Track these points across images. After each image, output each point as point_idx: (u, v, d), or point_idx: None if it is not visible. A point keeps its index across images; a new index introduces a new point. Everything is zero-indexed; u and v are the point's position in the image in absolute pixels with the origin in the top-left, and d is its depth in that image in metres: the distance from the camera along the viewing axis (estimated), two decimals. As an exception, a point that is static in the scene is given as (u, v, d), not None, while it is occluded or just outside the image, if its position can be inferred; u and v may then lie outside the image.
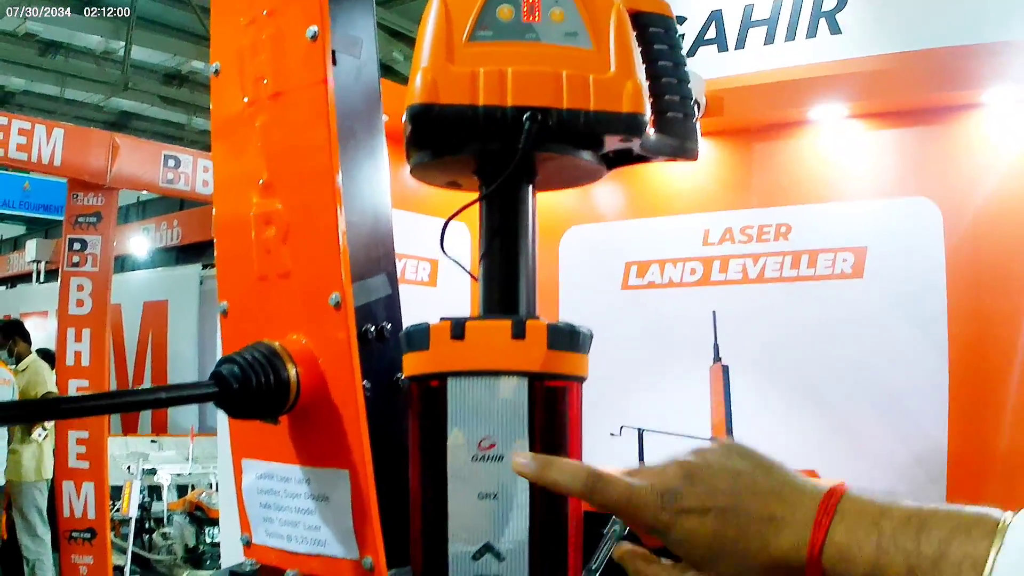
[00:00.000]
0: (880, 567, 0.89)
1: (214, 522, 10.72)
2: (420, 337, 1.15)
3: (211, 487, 11.58)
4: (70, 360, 9.87)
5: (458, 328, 1.13)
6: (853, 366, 4.54)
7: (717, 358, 4.59)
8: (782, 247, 4.68)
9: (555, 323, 1.13)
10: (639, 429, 4.58)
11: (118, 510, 10.74)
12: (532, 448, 1.09)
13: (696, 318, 4.74)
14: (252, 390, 1.35)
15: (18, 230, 28.86)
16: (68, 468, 9.72)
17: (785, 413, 4.60)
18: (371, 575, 1.45)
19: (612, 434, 4.45)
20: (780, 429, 4.55)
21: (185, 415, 13.71)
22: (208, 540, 10.76)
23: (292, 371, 1.40)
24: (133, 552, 10.77)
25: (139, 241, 18.36)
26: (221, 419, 4.77)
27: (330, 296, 1.42)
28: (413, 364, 1.17)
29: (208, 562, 10.75)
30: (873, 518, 0.91)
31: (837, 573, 0.92)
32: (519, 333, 1.11)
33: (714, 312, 4.69)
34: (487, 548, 1.09)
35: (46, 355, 9.84)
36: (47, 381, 8.77)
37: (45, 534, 8.99)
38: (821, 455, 4.27)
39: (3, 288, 25.10)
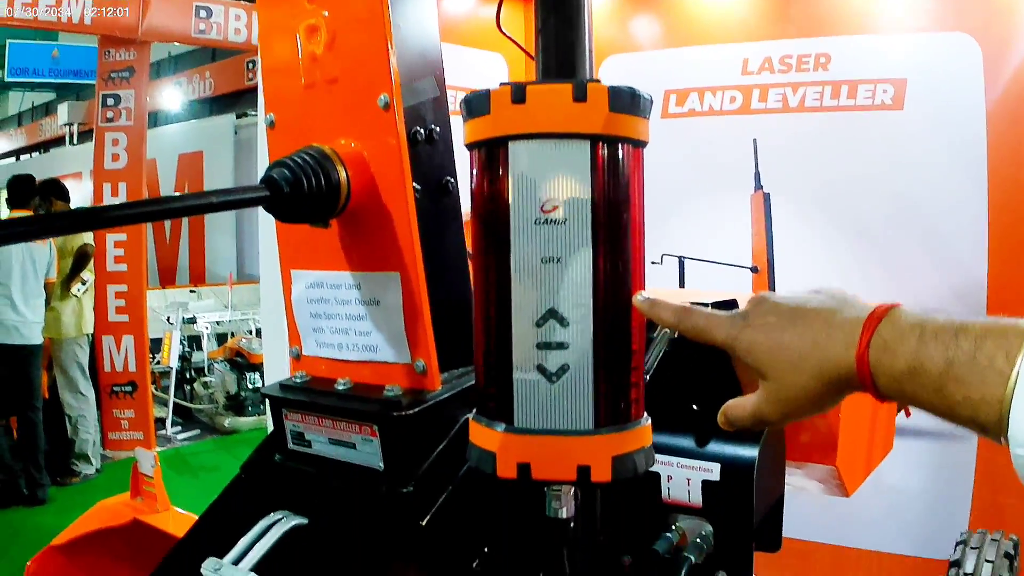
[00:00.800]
0: (920, 359, 0.94)
1: (255, 368, 10.85)
2: (481, 103, 1.10)
3: (250, 333, 11.71)
4: (107, 216, 9.97)
5: (519, 92, 1.08)
6: (893, 197, 4.53)
7: (758, 186, 4.58)
8: (822, 77, 4.65)
9: (616, 85, 1.08)
10: (680, 257, 4.60)
11: (158, 362, 10.89)
12: (594, 211, 1.07)
13: (737, 146, 4.74)
14: (303, 193, 1.34)
15: (48, 96, 28.91)
16: (108, 323, 9.87)
17: (825, 242, 4.61)
18: (423, 378, 1.47)
19: (653, 262, 4.47)
20: (820, 257, 4.58)
21: (223, 264, 13.85)
22: (250, 386, 10.89)
23: (342, 173, 1.39)
24: (174, 403, 10.96)
25: (172, 95, 18.28)
26: (264, 263, 4.80)
27: (379, 98, 1.41)
28: (474, 130, 1.12)
29: (250, 408, 10.91)
30: (918, 320, 0.97)
31: (881, 367, 0.98)
32: (580, 95, 1.07)
33: (755, 140, 4.68)
34: (551, 313, 1.08)
35: None
36: (83, 235, 8.79)
37: (88, 390, 9.09)
38: (861, 285, 4.28)
39: (37, 153, 25.24)
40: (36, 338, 8.08)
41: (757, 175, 4.62)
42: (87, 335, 8.99)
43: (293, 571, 1.42)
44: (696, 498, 1.67)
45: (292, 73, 1.54)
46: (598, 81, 1.08)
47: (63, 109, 21.58)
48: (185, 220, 14.72)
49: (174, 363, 10.83)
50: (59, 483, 8.54)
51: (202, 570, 1.41)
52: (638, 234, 1.12)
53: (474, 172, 1.13)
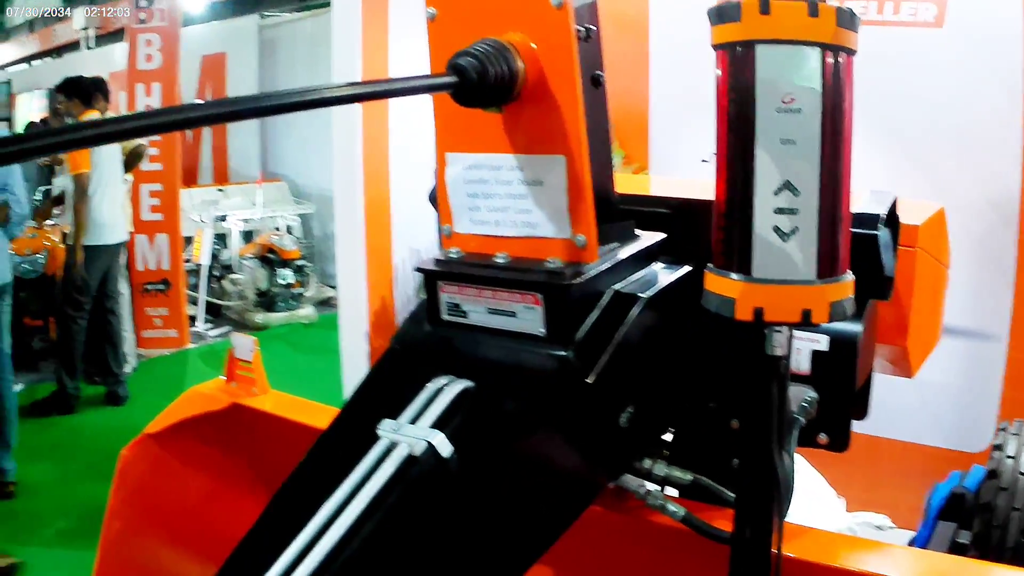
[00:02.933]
0: None
1: (286, 263, 11.03)
2: (732, 11, 1.34)
3: (278, 230, 11.85)
4: (141, 114, 10.08)
5: (765, 4, 1.31)
6: (931, 108, 4.67)
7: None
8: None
9: (840, 6, 1.32)
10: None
11: (188, 260, 11.04)
12: (823, 103, 1.32)
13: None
14: (488, 80, 1.49)
15: (54, 3, 28.67)
16: (141, 221, 10.00)
17: (864, 148, 4.73)
18: (583, 252, 1.62)
19: (703, 160, 4.59)
20: (858, 164, 4.69)
21: (247, 163, 13.93)
22: (281, 282, 11.06)
23: (519, 64, 1.53)
24: (206, 301, 11.14)
25: (193, -6, 18.21)
26: (342, 236, 4.78)
27: None
28: (725, 33, 1.36)
29: (280, 304, 11.09)
30: None
31: None
32: (814, 12, 1.31)
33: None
34: (786, 184, 1.33)
35: None
36: None
37: (125, 289, 9.26)
38: (898, 190, 4.41)
39: (50, 58, 25.11)
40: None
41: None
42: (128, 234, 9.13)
43: (466, 431, 1.56)
44: (805, 366, 1.85)
45: None
46: (824, 1, 1.33)
47: (79, 14, 21.49)
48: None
49: (206, 260, 10.99)
50: (96, 383, 8.70)
51: (378, 431, 1.54)
52: (849, 125, 1.36)
53: (724, 68, 1.39)
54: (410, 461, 1.49)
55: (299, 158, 13.10)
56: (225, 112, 1.23)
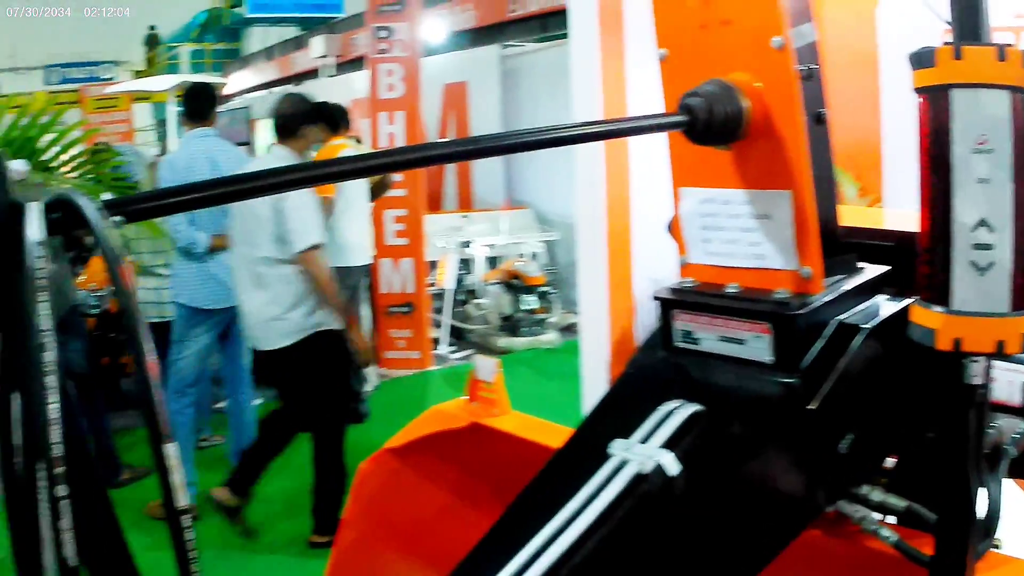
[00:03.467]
0: None
1: (531, 290, 11.19)
2: (928, 57, 1.42)
3: (522, 257, 12.04)
4: (383, 141, 10.43)
5: (957, 50, 1.39)
6: None
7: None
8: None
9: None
10: None
11: (432, 284, 11.31)
12: (1014, 143, 1.38)
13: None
14: (716, 119, 1.58)
15: (291, 31, 29.72)
16: (385, 246, 10.31)
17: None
18: (808, 283, 1.68)
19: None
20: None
21: (491, 190, 14.19)
22: (525, 308, 11.22)
23: (744, 103, 1.62)
24: (450, 324, 11.40)
25: (435, 26, 18.65)
26: (585, 264, 4.85)
27: (772, 39, 1.62)
28: (923, 78, 1.44)
29: (523, 329, 11.25)
30: None
31: None
32: (1002, 56, 1.38)
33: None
34: (982, 222, 1.39)
35: None
36: None
37: (366, 311, 9.53)
38: None
39: (289, 86, 26.05)
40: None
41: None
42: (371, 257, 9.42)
43: (694, 452, 1.63)
44: (1018, 399, 1.86)
45: (684, 13, 1.75)
46: (1012, 46, 1.39)
47: (317, 42, 22.25)
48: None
49: (450, 285, 11.25)
50: None
51: (610, 450, 1.63)
52: None
53: (923, 111, 1.46)
54: (639, 479, 1.58)
55: (544, 186, 13.25)
56: (468, 150, 1.35)
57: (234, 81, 29.42)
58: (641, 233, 3.23)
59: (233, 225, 6.18)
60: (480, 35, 17.97)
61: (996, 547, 2.09)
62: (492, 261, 12.32)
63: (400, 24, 11.02)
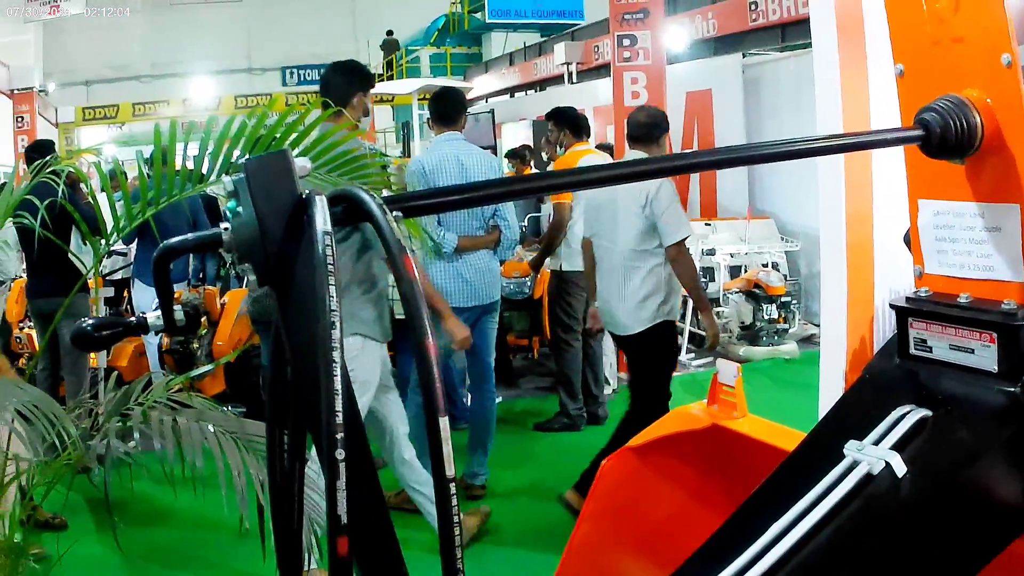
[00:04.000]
0: None
1: (772, 299, 11.14)
2: None
3: (764, 267, 11.97)
4: (627, 149, 10.56)
5: None
6: None
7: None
8: None
9: None
10: None
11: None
12: None
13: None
14: (950, 133, 1.64)
15: (531, 37, 30.01)
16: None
17: None
18: None
19: None
20: None
21: (735, 199, 14.13)
22: (765, 317, 11.18)
23: (977, 118, 1.68)
24: (689, 331, 11.42)
25: (676, 34, 18.65)
26: (827, 257, 4.84)
27: (1002, 56, 1.67)
28: None
29: (764, 338, 11.20)
30: None
31: None
32: None
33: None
34: None
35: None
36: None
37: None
38: None
39: (532, 91, 26.30)
40: None
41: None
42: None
43: (921, 455, 1.68)
44: None
45: (919, 30, 1.81)
46: None
47: (560, 49, 22.50)
48: (695, 146, 15.12)
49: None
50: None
51: (844, 450, 1.71)
52: None
53: None
54: (867, 478, 1.65)
55: (787, 196, 13.14)
56: (713, 160, 1.45)
57: (476, 85, 29.98)
58: (882, 245, 3.25)
59: (592, 219, 6.99)
60: (722, 44, 17.94)
61: None
62: (734, 270, 12.29)
63: (643, 32, 11.14)
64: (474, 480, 7.04)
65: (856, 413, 1.85)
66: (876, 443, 1.72)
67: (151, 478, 4.39)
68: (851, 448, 1.71)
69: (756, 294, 11.28)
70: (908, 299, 1.92)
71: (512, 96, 28.18)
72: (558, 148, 8.81)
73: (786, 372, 10.59)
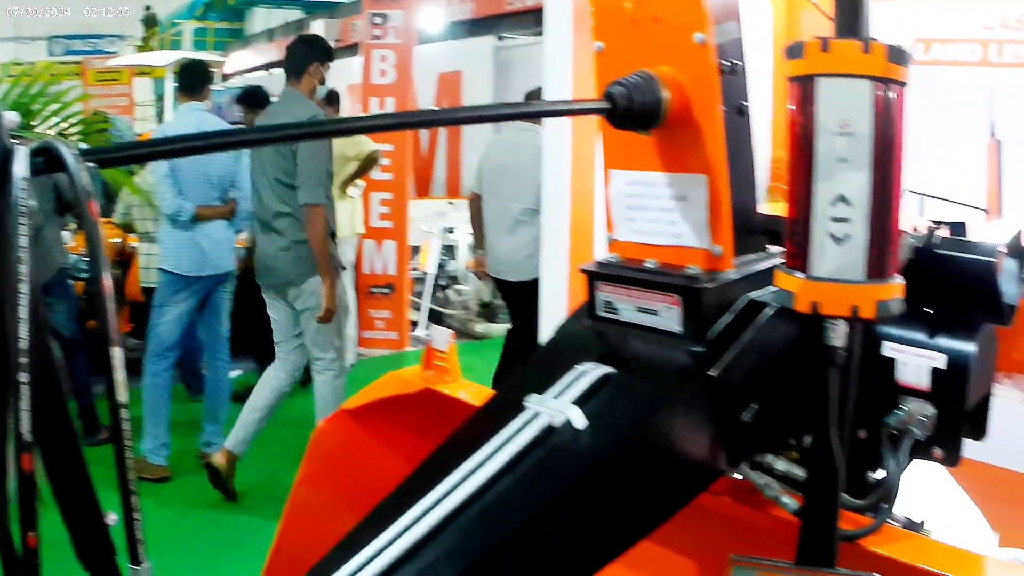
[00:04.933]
0: None
1: (508, 276, 11.35)
2: (799, 49, 1.56)
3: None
4: (374, 128, 10.58)
5: (825, 44, 1.54)
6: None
7: (992, 134, 4.76)
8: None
9: (891, 43, 1.52)
10: (921, 194, 4.83)
11: (415, 268, 11.45)
12: (873, 128, 1.52)
13: (973, 97, 4.96)
14: (635, 106, 1.73)
15: (295, 14, 29.76)
16: (370, 228, 10.45)
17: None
18: (719, 260, 1.83)
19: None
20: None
21: (478, 179, 14.30)
22: (503, 295, 11.37)
23: (665, 93, 1.77)
24: (429, 308, 11.53)
25: (431, 15, 18.72)
26: (548, 228, 5.05)
27: (695, 35, 1.77)
28: (794, 68, 1.58)
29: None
30: None
31: None
32: (867, 49, 1.52)
33: (991, 92, 4.89)
34: (840, 197, 1.55)
35: None
36: (365, 141, 9.18)
37: (351, 287, 9.66)
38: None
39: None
40: None
41: (992, 125, 4.80)
42: (358, 235, 9.53)
43: (602, 410, 1.76)
44: (925, 383, 2.01)
45: (619, 9, 1.90)
46: (877, 39, 1.53)
47: (318, 25, 22.34)
48: (443, 133, 15.25)
49: (432, 269, 11.39)
50: None
51: (524, 402, 1.79)
52: (899, 148, 1.56)
53: (793, 97, 1.61)
54: (549, 431, 1.73)
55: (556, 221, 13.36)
56: (397, 123, 1.50)
57: (235, 61, 29.46)
58: (604, 220, 3.37)
59: (493, 178, 8.14)
60: (477, 26, 18.09)
61: (923, 531, 2.25)
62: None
63: (396, 11, 11.16)
64: (209, 449, 7.06)
65: (543, 371, 1.92)
66: (557, 397, 1.79)
67: None
68: (531, 401, 1.79)
69: (494, 273, 11.45)
70: (598, 263, 2.01)
71: (270, 72, 27.78)
72: None
73: (522, 348, 10.76)
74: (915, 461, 2.03)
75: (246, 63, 29.68)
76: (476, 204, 8.37)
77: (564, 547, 1.71)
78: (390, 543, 1.66)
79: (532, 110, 1.86)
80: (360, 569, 1.64)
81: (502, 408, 1.86)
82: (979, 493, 3.13)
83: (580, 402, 1.77)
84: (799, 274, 1.61)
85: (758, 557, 1.76)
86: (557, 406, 1.75)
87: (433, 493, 1.70)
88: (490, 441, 1.75)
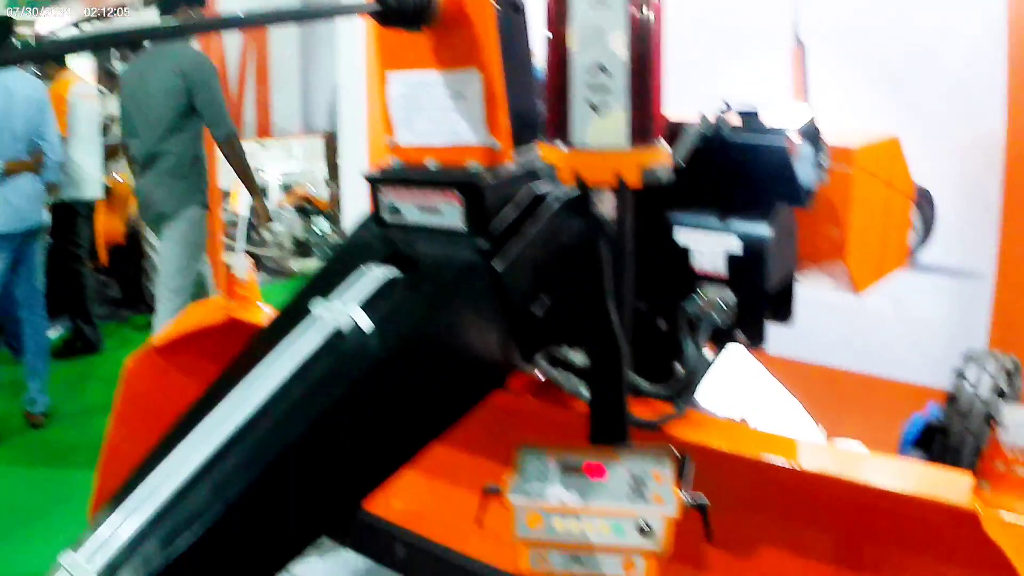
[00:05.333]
0: None
1: (321, 213, 11.27)
2: None
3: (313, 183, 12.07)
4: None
5: None
6: (921, 51, 4.80)
7: (798, 41, 4.80)
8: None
9: None
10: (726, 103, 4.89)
11: (226, 211, 11.25)
12: (627, 4, 1.52)
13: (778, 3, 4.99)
14: (406, 4, 1.72)
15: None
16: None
17: (856, 90, 4.93)
18: (499, 155, 1.84)
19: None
20: (851, 106, 4.87)
21: (287, 118, 14.12)
22: (317, 231, 11.28)
23: None
24: (245, 250, 11.35)
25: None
26: (344, 120, 4.98)
27: None
28: None
29: (316, 252, 11.31)
30: None
31: None
32: None
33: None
34: (599, 67, 1.53)
35: None
36: None
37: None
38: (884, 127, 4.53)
39: (95, 22, 25.18)
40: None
41: (796, 29, 4.83)
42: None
43: (389, 312, 1.76)
44: (722, 269, 2.05)
45: None
46: None
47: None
48: (251, 74, 14.91)
49: (244, 212, 11.20)
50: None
51: (310, 306, 1.77)
52: (659, 14, 1.54)
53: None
54: (337, 336, 1.72)
55: (352, 117, 13.24)
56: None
57: (48, 20, 28.44)
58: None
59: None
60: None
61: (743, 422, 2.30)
62: (287, 189, 12.29)
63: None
64: (33, 408, 6.86)
65: (331, 279, 1.90)
66: (342, 300, 1.78)
67: None
68: (316, 305, 1.78)
69: (307, 209, 11.36)
70: (381, 170, 2.00)
71: (79, 28, 26.85)
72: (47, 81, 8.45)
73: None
74: (735, 362, 2.06)
75: (58, 23, 28.65)
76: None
77: (355, 450, 1.71)
78: (181, 463, 1.64)
79: (301, 12, 1.82)
80: (155, 491, 1.61)
81: (291, 317, 1.83)
82: (804, 392, 3.24)
83: (367, 307, 1.75)
84: (562, 145, 1.58)
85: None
86: (341, 308, 1.74)
87: (224, 405, 1.68)
88: (277, 348, 1.73)
